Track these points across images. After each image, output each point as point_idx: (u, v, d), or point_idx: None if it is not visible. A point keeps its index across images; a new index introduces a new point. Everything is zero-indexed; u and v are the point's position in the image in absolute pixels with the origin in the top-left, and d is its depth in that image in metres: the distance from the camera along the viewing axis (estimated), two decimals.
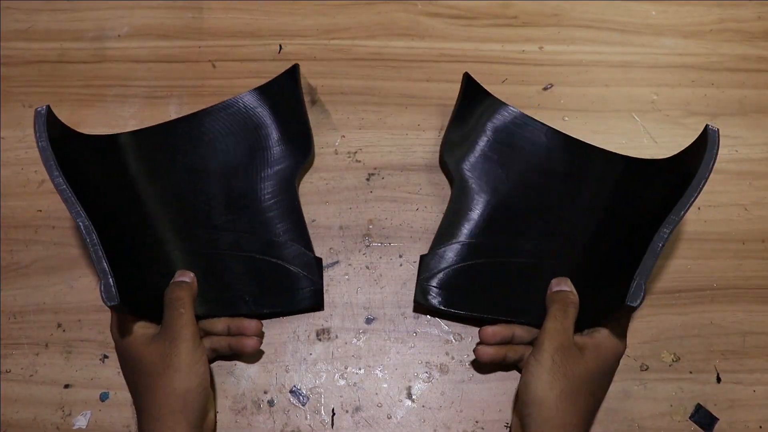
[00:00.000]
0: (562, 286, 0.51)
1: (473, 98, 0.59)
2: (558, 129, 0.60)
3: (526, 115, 0.60)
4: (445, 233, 0.56)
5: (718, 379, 0.55)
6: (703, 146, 0.49)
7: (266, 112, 0.59)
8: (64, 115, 0.61)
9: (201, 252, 0.55)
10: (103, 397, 0.53)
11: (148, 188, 0.56)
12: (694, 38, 0.67)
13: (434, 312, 0.55)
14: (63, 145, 0.48)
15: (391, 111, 0.63)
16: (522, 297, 0.54)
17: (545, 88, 0.65)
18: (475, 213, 0.57)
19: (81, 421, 0.52)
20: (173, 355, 0.45)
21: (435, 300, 0.54)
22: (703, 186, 0.47)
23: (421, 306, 0.55)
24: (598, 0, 0.68)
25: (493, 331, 0.51)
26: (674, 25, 0.68)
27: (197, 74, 0.64)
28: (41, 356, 0.54)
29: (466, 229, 0.57)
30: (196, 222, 0.56)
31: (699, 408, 0.54)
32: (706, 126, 0.49)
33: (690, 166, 0.50)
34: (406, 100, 0.63)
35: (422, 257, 0.55)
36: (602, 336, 0.49)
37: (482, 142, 0.59)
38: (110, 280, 0.43)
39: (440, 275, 0.55)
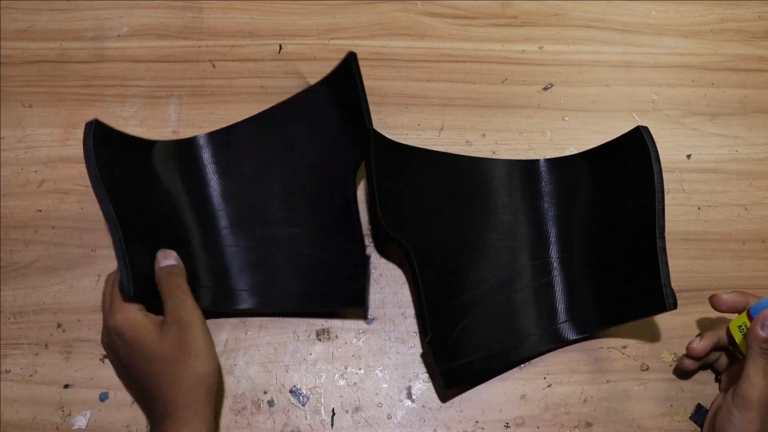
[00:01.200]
0: (764, 328, 0.47)
1: (386, 152, 0.55)
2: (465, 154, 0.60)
3: (454, 155, 0.59)
4: (434, 306, 0.52)
5: (718, 379, 0.55)
6: (637, 143, 0.52)
7: (327, 105, 0.57)
8: (64, 115, 0.62)
9: (253, 248, 0.55)
10: (103, 397, 0.53)
11: (207, 188, 0.57)
12: (695, 38, 0.67)
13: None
14: (118, 149, 0.51)
15: (391, 111, 0.63)
16: (537, 324, 0.54)
17: (545, 88, 0.65)
18: (452, 271, 0.54)
19: (81, 421, 0.52)
20: (190, 341, 0.45)
21: (465, 378, 0.53)
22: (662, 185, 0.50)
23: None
24: (599, 0, 0.68)
25: (703, 346, 0.51)
26: (675, 24, 0.68)
27: (197, 74, 0.64)
28: (41, 356, 0.54)
29: (452, 291, 0.53)
30: (252, 219, 0.56)
31: (699, 408, 0.54)
32: (638, 127, 0.53)
33: (615, 160, 0.55)
34: (406, 100, 0.63)
35: (428, 343, 0.51)
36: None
37: (416, 198, 0.55)
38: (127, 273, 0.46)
39: (455, 348, 0.51)
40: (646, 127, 0.53)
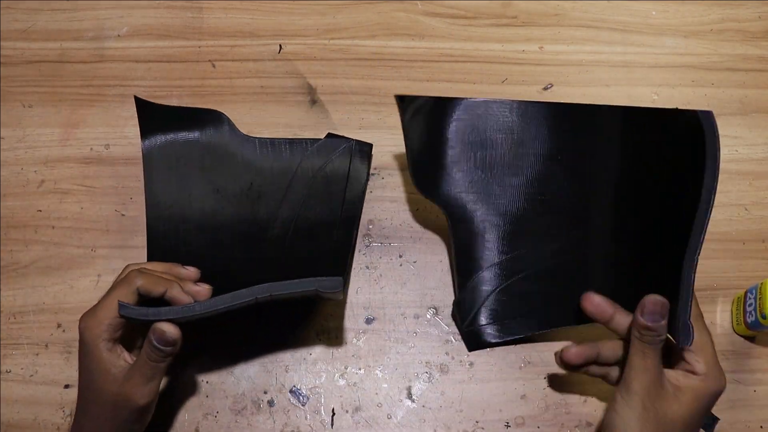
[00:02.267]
0: (643, 315, 0.44)
1: (414, 112, 0.54)
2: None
3: (483, 100, 0.54)
4: (465, 268, 0.54)
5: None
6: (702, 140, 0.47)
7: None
8: (64, 115, 0.62)
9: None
10: None
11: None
12: (695, 38, 0.67)
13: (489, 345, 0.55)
14: None
15: (391, 111, 0.63)
16: (570, 299, 0.52)
17: (545, 88, 0.65)
18: (486, 233, 0.55)
19: None
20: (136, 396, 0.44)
21: (488, 338, 0.54)
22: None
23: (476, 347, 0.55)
24: (599, 0, 0.68)
25: (576, 352, 0.47)
26: (675, 24, 0.68)
27: (197, 74, 0.64)
28: (41, 356, 0.54)
29: (485, 254, 0.54)
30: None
31: None
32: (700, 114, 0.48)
33: (684, 131, 0.49)
34: None
35: (456, 302, 0.54)
36: (702, 373, 0.44)
37: (451, 155, 0.54)
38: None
39: (482, 312, 0.53)
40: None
